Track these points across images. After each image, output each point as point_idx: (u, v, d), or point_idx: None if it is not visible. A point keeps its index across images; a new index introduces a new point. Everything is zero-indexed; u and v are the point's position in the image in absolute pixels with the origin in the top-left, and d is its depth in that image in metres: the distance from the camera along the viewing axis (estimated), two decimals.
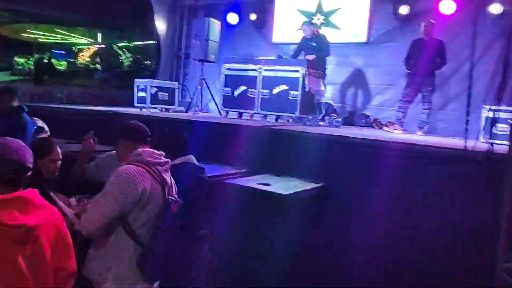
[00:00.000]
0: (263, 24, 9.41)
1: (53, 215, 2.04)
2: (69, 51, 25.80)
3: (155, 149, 2.57)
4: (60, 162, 2.80)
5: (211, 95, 7.74)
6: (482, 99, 7.05)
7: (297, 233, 3.64)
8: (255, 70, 6.69)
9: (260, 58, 6.75)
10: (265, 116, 6.73)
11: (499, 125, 5.45)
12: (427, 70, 6.35)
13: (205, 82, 7.74)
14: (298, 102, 6.29)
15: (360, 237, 3.97)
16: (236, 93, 6.88)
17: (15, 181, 1.92)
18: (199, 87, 7.61)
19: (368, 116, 7.83)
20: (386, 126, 7.22)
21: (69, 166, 3.22)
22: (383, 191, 3.79)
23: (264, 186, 3.43)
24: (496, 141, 5.42)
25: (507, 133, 5.46)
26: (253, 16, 9.29)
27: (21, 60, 22.83)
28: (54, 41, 24.06)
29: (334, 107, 7.59)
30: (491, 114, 5.47)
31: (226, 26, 9.56)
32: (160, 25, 9.80)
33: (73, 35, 23.84)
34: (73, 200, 2.80)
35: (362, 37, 8.17)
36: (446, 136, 6.72)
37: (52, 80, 17.04)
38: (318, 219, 3.88)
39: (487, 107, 5.51)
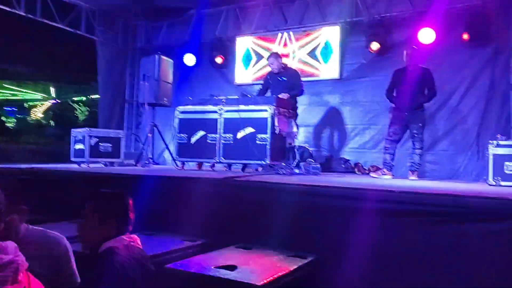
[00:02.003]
0: (224, 64, 8.50)
1: None
2: (22, 108, 24.27)
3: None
4: None
5: (165, 143, 6.58)
6: (476, 134, 6.32)
7: None
8: (214, 112, 5.63)
9: (220, 97, 5.71)
10: (230, 165, 5.60)
11: (509, 163, 4.50)
12: (414, 103, 5.46)
13: (157, 129, 6.59)
14: (268, 146, 5.23)
15: None
16: (193, 139, 5.76)
17: None
18: (149, 135, 6.44)
19: (348, 160, 6.84)
20: (371, 171, 6.22)
21: None
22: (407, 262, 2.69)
23: (227, 271, 2.23)
24: (508, 183, 4.55)
25: None
26: (218, 60, 8.37)
27: None
28: (3, 97, 22.61)
29: (310, 151, 6.56)
30: (501, 151, 4.53)
31: (183, 68, 8.68)
32: (104, 71, 8.75)
33: (25, 90, 22.49)
34: None
35: (335, 73, 7.32)
36: (439, 180, 5.79)
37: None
38: None
39: (495, 142, 4.58)
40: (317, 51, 7.53)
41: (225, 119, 5.56)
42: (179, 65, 8.73)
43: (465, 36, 6.29)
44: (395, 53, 6.78)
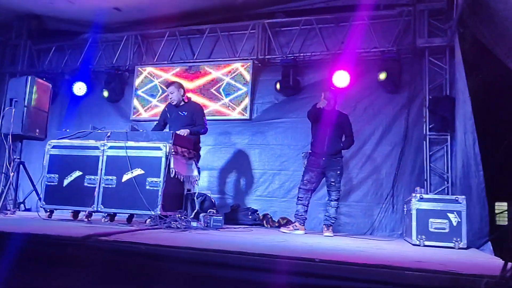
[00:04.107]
0: (120, 96, 7.47)
1: None
2: None
3: None
4: None
5: (33, 185, 5.28)
6: (391, 185, 5.89)
7: None
8: (95, 148, 4.55)
9: (105, 131, 4.65)
10: (111, 215, 4.48)
11: (434, 220, 3.99)
12: (332, 149, 4.88)
13: (24, 167, 5.30)
14: (160, 193, 4.26)
15: None
16: (66, 181, 4.59)
17: None
18: (12, 173, 5.13)
19: (256, 210, 6.04)
20: (281, 224, 5.47)
21: None
22: None
23: None
24: (433, 243, 4.03)
25: (446, 231, 4.07)
26: (105, 93, 7.30)
27: None
28: None
29: (212, 199, 5.66)
30: (425, 206, 4.01)
31: (73, 98, 7.53)
32: None
33: None
34: None
35: (244, 113, 6.63)
36: (355, 235, 5.18)
37: None
38: None
39: (418, 196, 4.06)
40: (226, 88, 6.83)
41: (108, 157, 4.51)
42: (68, 94, 7.60)
43: (382, 76, 5.96)
44: (309, 94, 6.35)
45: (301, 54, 6.56)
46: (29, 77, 5.29)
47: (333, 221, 4.84)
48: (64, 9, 6.79)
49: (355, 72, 6.10)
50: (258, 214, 5.96)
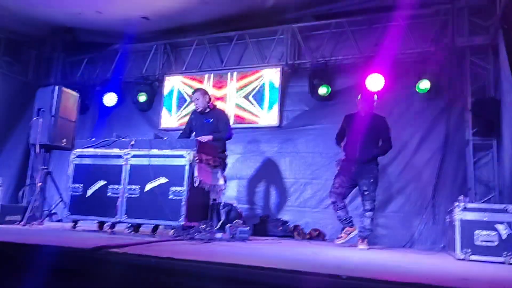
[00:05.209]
0: (149, 106, 7.41)
1: None
2: None
3: None
4: None
5: (60, 195, 5.23)
6: (431, 194, 5.49)
7: None
8: (119, 156, 4.44)
9: (129, 139, 4.53)
10: (135, 226, 4.33)
11: (481, 232, 3.61)
12: (365, 155, 4.57)
13: (51, 177, 5.27)
14: (183, 203, 4.08)
15: None
16: (89, 191, 4.50)
17: None
18: (39, 184, 5.09)
19: (287, 222, 5.77)
20: (312, 236, 5.19)
21: None
22: None
23: None
24: (480, 257, 3.64)
25: (495, 244, 3.69)
26: (142, 98, 7.26)
27: None
28: None
29: (239, 210, 5.44)
30: (470, 216, 3.63)
31: (103, 109, 7.53)
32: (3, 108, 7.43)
33: None
34: None
35: (274, 120, 6.41)
36: (393, 249, 4.82)
37: None
38: None
39: (462, 205, 3.69)
40: (255, 95, 6.66)
41: (132, 166, 4.38)
42: (99, 105, 7.62)
43: (423, 85, 5.64)
44: (341, 99, 6.08)
45: (332, 58, 6.31)
46: (56, 87, 5.27)
47: (368, 233, 4.52)
48: (93, 20, 6.81)
49: (390, 75, 5.78)
50: (288, 225, 5.70)
